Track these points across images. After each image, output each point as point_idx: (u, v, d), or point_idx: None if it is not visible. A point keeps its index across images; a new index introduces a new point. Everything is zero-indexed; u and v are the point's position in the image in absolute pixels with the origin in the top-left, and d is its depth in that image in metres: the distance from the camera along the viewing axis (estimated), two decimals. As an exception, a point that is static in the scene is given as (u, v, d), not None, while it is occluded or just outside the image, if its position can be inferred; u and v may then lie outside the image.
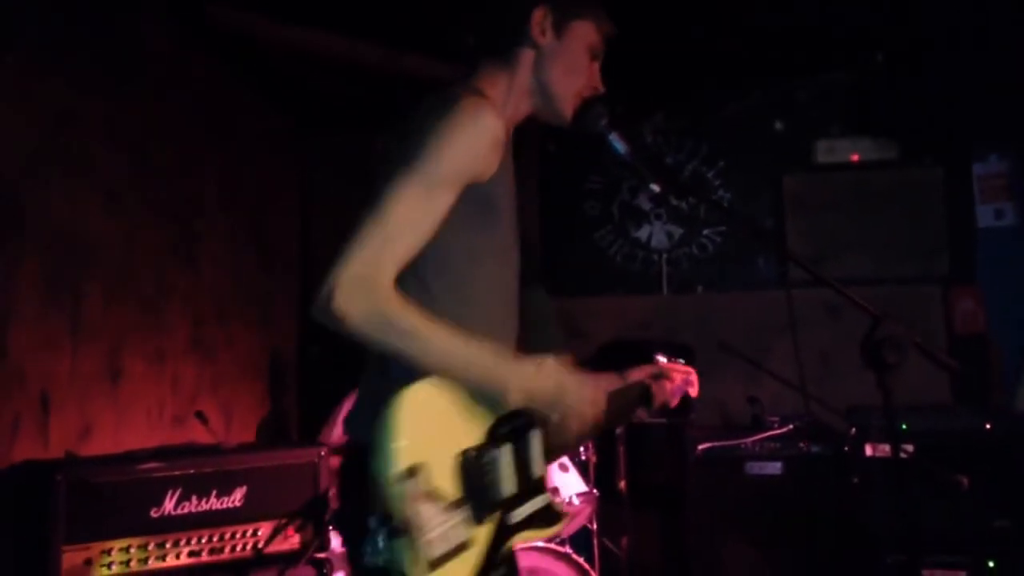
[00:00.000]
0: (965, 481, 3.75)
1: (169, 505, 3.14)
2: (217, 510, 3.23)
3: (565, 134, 2.13)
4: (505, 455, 1.80)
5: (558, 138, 5.80)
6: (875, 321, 2.21)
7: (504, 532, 1.79)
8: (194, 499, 3.19)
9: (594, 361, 5.36)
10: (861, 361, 2.27)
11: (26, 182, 3.36)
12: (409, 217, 1.68)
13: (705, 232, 5.80)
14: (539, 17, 1.98)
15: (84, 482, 2.97)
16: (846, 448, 4.16)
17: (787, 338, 4.66)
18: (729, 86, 5.71)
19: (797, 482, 4.24)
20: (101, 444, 3.70)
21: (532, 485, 1.88)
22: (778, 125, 5.76)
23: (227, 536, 3.23)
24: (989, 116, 5.14)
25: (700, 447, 4.34)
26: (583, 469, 4.05)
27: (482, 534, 1.72)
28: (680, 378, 2.59)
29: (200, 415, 3.84)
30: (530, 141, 5.53)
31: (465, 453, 1.70)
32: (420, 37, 4.56)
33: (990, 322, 5.10)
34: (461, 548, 1.65)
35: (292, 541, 3.35)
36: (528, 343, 1.99)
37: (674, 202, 5.71)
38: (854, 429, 4.11)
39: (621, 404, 2.30)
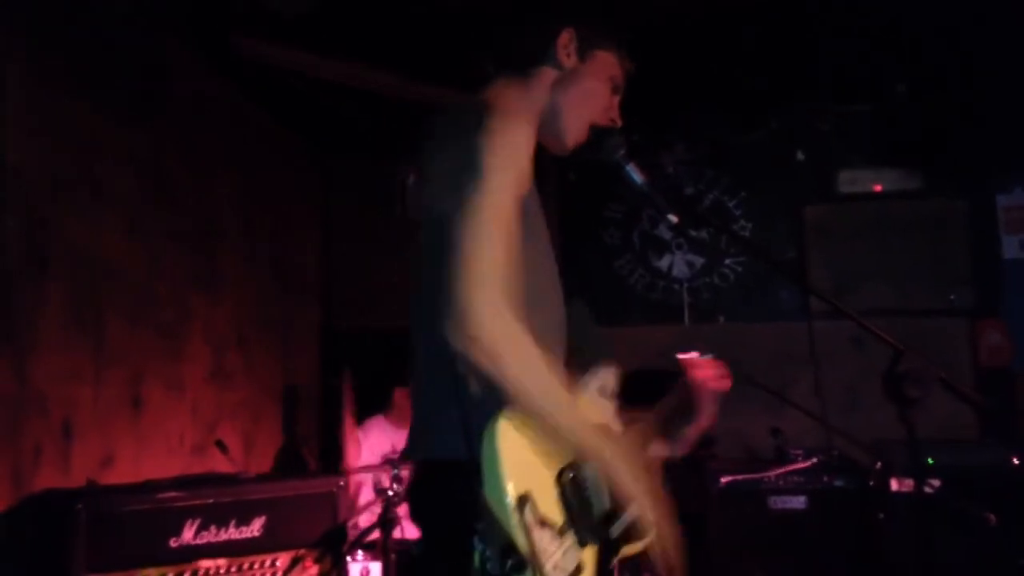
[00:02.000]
0: (992, 517, 3.69)
1: (188, 535, 3.14)
2: (236, 540, 3.23)
3: (585, 163, 2.12)
4: (593, 473, 1.78)
5: (578, 167, 5.81)
6: (897, 354, 2.19)
7: (607, 550, 1.79)
8: (213, 529, 3.19)
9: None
10: (884, 395, 2.26)
11: (50, 209, 3.40)
12: (492, 244, 1.63)
13: (727, 262, 5.78)
14: (566, 39, 1.99)
15: (104, 511, 2.97)
16: (871, 483, 4.10)
17: (811, 370, 4.62)
18: (750, 116, 5.70)
19: (821, 517, 4.17)
20: (122, 472, 3.71)
21: (623, 498, 1.85)
22: (800, 155, 5.74)
23: (246, 566, 3.23)
24: (1013, 147, 5.11)
25: (723, 480, 4.29)
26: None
27: (589, 556, 1.73)
28: (710, 371, 2.54)
29: (220, 444, 3.86)
30: (549, 169, 5.54)
31: (562, 476, 1.70)
32: (439, 66, 4.60)
33: (1016, 355, 5.03)
34: (576, 573, 1.65)
35: (311, 572, 3.34)
36: (575, 354, 1.98)
37: (692, 234, 5.70)
38: (879, 463, 4.05)
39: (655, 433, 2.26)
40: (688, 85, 5.22)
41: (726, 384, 2.61)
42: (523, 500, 1.56)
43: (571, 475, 1.71)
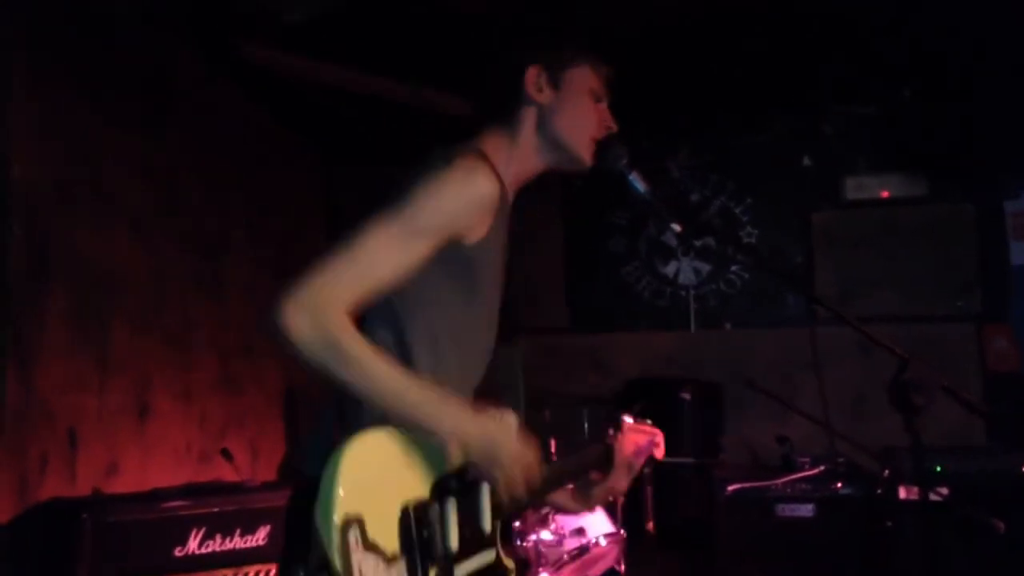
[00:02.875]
0: (1000, 524, 3.66)
1: (193, 544, 3.13)
2: (241, 549, 3.23)
3: (589, 170, 2.12)
4: (449, 510, 1.75)
5: (584, 174, 5.80)
6: (902, 363, 2.19)
7: None
8: (218, 538, 3.19)
9: (620, 397, 5.31)
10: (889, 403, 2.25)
11: (55, 216, 3.41)
12: (378, 255, 1.69)
13: (733, 268, 5.77)
14: (533, 76, 1.97)
15: (109, 521, 2.98)
16: (879, 490, 4.08)
17: (818, 376, 4.59)
18: (756, 121, 5.70)
19: (829, 525, 4.15)
20: (128, 481, 3.71)
21: (480, 540, 1.84)
22: (806, 161, 5.73)
23: (251, 575, 3.22)
24: (1021, 152, 5.09)
25: (729, 488, 4.27)
26: (610, 509, 4.01)
27: None
28: (644, 439, 2.55)
29: (225, 452, 3.86)
30: (554, 177, 5.53)
31: (405, 507, 1.67)
32: (445, 74, 4.61)
33: (1025, 361, 5.01)
34: None
35: (315, 581, 3.33)
36: (498, 393, 1.98)
37: (697, 242, 5.69)
38: (887, 471, 4.03)
39: (569, 468, 2.30)
40: (694, 90, 5.22)
41: (660, 454, 2.64)
42: (350, 522, 1.53)
43: (417, 507, 1.69)
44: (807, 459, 4.31)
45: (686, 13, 4.38)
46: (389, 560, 1.61)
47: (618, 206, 5.92)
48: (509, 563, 1.95)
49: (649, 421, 2.66)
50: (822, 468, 4.25)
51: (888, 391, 2.25)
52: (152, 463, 3.93)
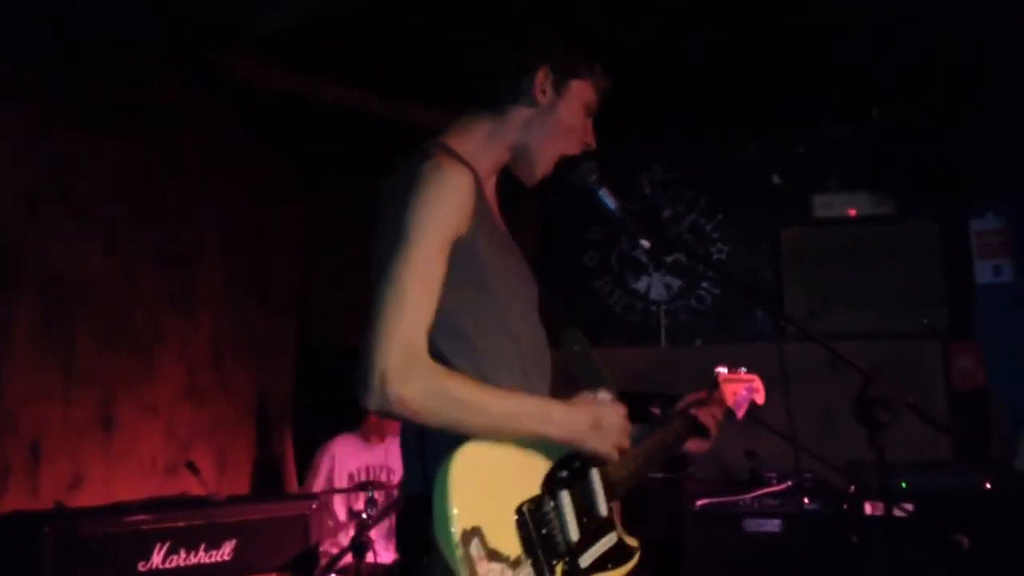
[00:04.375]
0: (966, 541, 3.69)
1: (157, 559, 3.11)
2: (206, 564, 3.20)
3: (565, 185, 2.12)
4: (564, 502, 1.80)
5: (558, 188, 5.82)
6: (867, 380, 2.21)
7: None
8: (183, 552, 3.17)
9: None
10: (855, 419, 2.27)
11: (24, 225, 3.38)
12: (422, 286, 1.69)
13: (703, 284, 5.80)
14: (542, 77, 1.97)
15: (72, 534, 2.94)
16: (845, 506, 4.10)
17: (786, 392, 4.62)
18: (729, 139, 5.74)
19: (796, 540, 4.17)
20: (92, 494, 3.67)
21: (598, 525, 1.88)
22: (776, 179, 5.78)
23: (215, 590, 3.19)
24: (986, 172, 5.16)
25: (698, 503, 4.28)
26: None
27: None
28: (743, 387, 2.59)
29: (191, 465, 3.82)
30: (530, 191, 5.54)
31: (520, 509, 1.70)
32: (422, 86, 4.61)
33: (990, 378, 5.07)
34: None
35: (282, 596, 3.31)
36: (574, 382, 1.99)
37: (666, 259, 5.72)
38: (853, 487, 4.05)
39: (668, 445, 2.32)
40: (667, 107, 5.25)
41: (760, 398, 2.69)
42: (470, 534, 1.58)
43: (531, 507, 1.71)
44: (774, 474, 4.33)
45: (660, 31, 4.42)
46: (514, 564, 1.65)
47: (593, 221, 5.94)
48: (632, 542, 1.99)
49: (743, 369, 2.69)
50: (789, 483, 4.26)
51: (853, 407, 2.27)
52: (117, 476, 3.89)
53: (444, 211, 1.74)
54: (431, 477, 1.62)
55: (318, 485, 4.50)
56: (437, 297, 1.71)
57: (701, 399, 2.52)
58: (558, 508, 1.78)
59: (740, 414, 2.64)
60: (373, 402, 1.62)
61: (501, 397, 1.73)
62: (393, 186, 1.80)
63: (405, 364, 1.62)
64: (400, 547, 1.80)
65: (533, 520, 1.71)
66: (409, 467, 1.84)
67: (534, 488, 1.75)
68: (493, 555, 1.60)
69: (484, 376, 1.77)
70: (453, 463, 1.62)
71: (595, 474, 1.91)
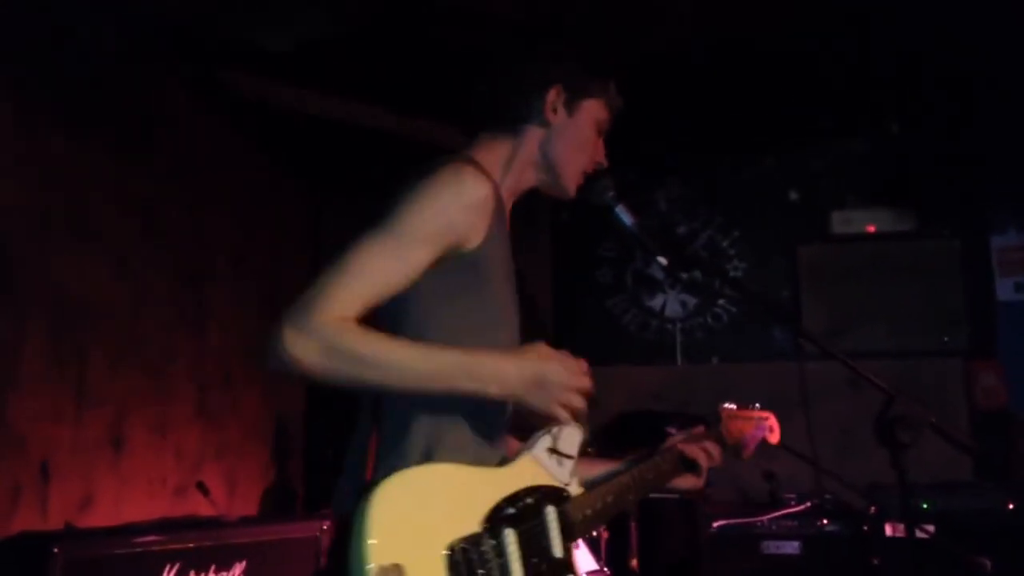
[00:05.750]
0: (987, 563, 3.62)
1: (167, 580, 3.06)
2: (215, 586, 3.16)
3: (577, 202, 2.09)
4: (508, 541, 1.63)
5: (571, 206, 5.79)
6: (889, 399, 2.15)
7: None
8: (192, 574, 3.12)
9: (608, 431, 5.25)
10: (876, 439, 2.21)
11: (33, 246, 3.37)
12: (369, 269, 1.64)
13: (720, 302, 5.74)
14: (553, 96, 1.95)
15: (81, 555, 2.90)
16: (865, 528, 4.03)
17: (805, 412, 4.55)
18: (745, 154, 5.70)
19: (815, 562, 4.10)
20: (102, 515, 3.64)
21: (550, 569, 1.71)
22: (793, 195, 5.73)
23: (225, 612, 3.15)
24: (1007, 188, 5.10)
25: (715, 524, 4.22)
26: (594, 546, 3.94)
27: None
28: (750, 426, 2.50)
29: (201, 486, 3.78)
30: (542, 209, 5.53)
31: (451, 548, 1.54)
32: (430, 102, 4.60)
33: (1012, 397, 4.99)
34: None
35: (292, 618, 3.26)
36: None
37: (683, 276, 5.67)
38: (873, 508, 3.99)
39: (647, 483, 2.16)
40: (683, 123, 5.22)
41: (775, 438, 2.58)
42: (388, 572, 1.43)
43: (465, 545, 1.56)
44: (793, 495, 4.27)
45: (676, 47, 4.40)
46: None
47: (606, 238, 5.90)
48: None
49: (757, 405, 2.56)
50: (808, 504, 4.20)
51: (875, 427, 2.22)
52: (127, 496, 3.86)
53: (441, 208, 1.69)
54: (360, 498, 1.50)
55: None
56: (390, 281, 1.65)
57: (698, 434, 2.41)
58: (500, 548, 1.62)
59: (747, 453, 2.51)
60: (271, 362, 1.56)
61: (417, 352, 1.62)
62: (403, 186, 1.75)
63: (307, 324, 1.55)
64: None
65: (466, 560, 1.55)
66: (347, 483, 1.73)
67: (473, 525, 1.60)
68: None
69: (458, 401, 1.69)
70: (382, 488, 1.49)
71: (551, 512, 1.75)
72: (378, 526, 1.46)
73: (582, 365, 1.77)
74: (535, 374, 1.70)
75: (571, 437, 1.85)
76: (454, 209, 1.70)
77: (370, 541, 1.43)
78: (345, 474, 1.77)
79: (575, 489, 1.86)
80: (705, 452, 2.33)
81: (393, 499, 1.51)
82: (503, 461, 1.78)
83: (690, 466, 2.29)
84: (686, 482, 2.30)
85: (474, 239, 1.74)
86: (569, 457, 1.85)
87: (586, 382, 1.76)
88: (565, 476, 1.84)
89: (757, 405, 2.61)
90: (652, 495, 2.35)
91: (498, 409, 1.82)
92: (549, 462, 1.82)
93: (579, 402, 1.74)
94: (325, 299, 1.59)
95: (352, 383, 1.59)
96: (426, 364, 1.62)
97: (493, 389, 1.66)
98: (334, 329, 1.57)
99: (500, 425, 1.85)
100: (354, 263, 1.64)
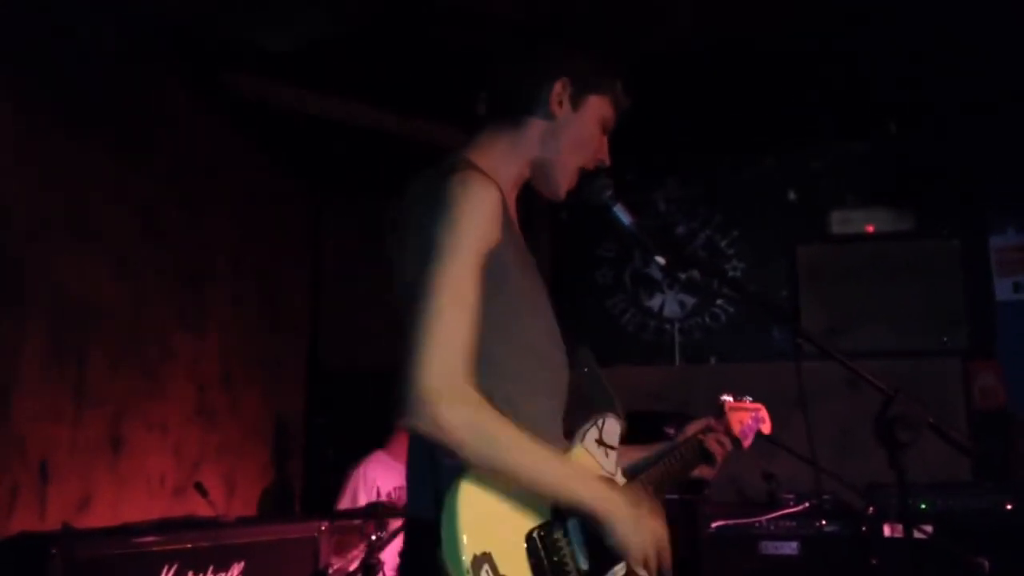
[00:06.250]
0: (986, 564, 3.62)
1: (165, 580, 3.06)
2: (214, 586, 3.16)
3: (577, 202, 2.08)
4: (574, 529, 1.74)
5: (570, 206, 5.80)
6: (887, 398, 2.15)
7: None
8: (191, 574, 3.12)
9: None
10: (874, 439, 2.21)
11: (33, 246, 3.37)
12: (460, 308, 1.63)
13: (718, 302, 5.74)
14: (559, 89, 1.93)
15: (79, 556, 2.90)
16: (864, 528, 4.03)
17: (804, 412, 4.56)
18: (744, 154, 5.70)
19: (813, 563, 4.09)
20: (100, 515, 3.64)
21: (608, 555, 1.78)
22: (792, 195, 5.73)
23: (223, 613, 3.15)
24: (1006, 188, 5.11)
25: (713, 524, 4.22)
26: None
27: None
28: (749, 416, 2.53)
29: (199, 486, 3.77)
30: (542, 209, 5.53)
31: (530, 535, 1.66)
32: (431, 103, 4.60)
33: (1011, 397, 4.99)
34: None
35: (290, 619, 3.26)
36: (584, 404, 1.94)
37: (681, 276, 5.67)
38: (872, 508, 3.98)
39: (675, 474, 2.21)
40: (682, 123, 5.22)
41: (767, 428, 2.61)
42: (480, 560, 1.54)
43: (541, 534, 1.67)
44: (792, 496, 4.26)
45: (676, 47, 4.40)
46: None
47: (605, 238, 5.90)
48: (643, 574, 1.88)
49: (749, 398, 2.62)
50: (807, 505, 4.20)
51: (873, 427, 2.21)
52: (125, 497, 3.86)
53: (474, 228, 1.69)
54: (440, 501, 1.58)
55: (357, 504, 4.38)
56: (475, 321, 1.65)
57: (708, 427, 2.44)
58: (568, 535, 1.73)
59: (746, 444, 2.56)
60: (413, 419, 1.56)
61: (543, 457, 1.67)
62: (417, 200, 1.76)
63: (450, 388, 1.56)
64: (404, 573, 1.77)
65: (544, 546, 1.66)
66: (415, 490, 1.79)
67: (544, 514, 1.70)
68: None
69: (511, 401, 1.71)
70: (462, 487, 1.58)
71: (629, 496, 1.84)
72: (466, 521, 1.56)
73: (665, 537, 1.81)
74: (636, 511, 1.74)
75: (613, 429, 1.93)
76: (481, 224, 1.71)
77: (463, 536, 1.54)
78: (413, 477, 1.82)
79: (620, 479, 1.94)
80: (719, 443, 2.38)
81: (474, 496, 1.59)
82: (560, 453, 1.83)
83: (708, 457, 2.33)
84: (703, 471, 2.34)
85: (495, 240, 1.74)
86: (613, 448, 1.93)
87: (665, 554, 1.80)
88: (611, 467, 1.92)
89: (748, 398, 2.65)
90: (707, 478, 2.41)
91: (558, 403, 1.86)
92: (598, 453, 1.89)
93: (652, 565, 1.79)
94: (447, 358, 1.59)
95: (478, 463, 1.61)
96: (545, 472, 1.66)
97: (596, 504, 1.70)
98: (486, 410, 1.61)
99: (558, 417, 1.87)
100: (445, 309, 1.61)
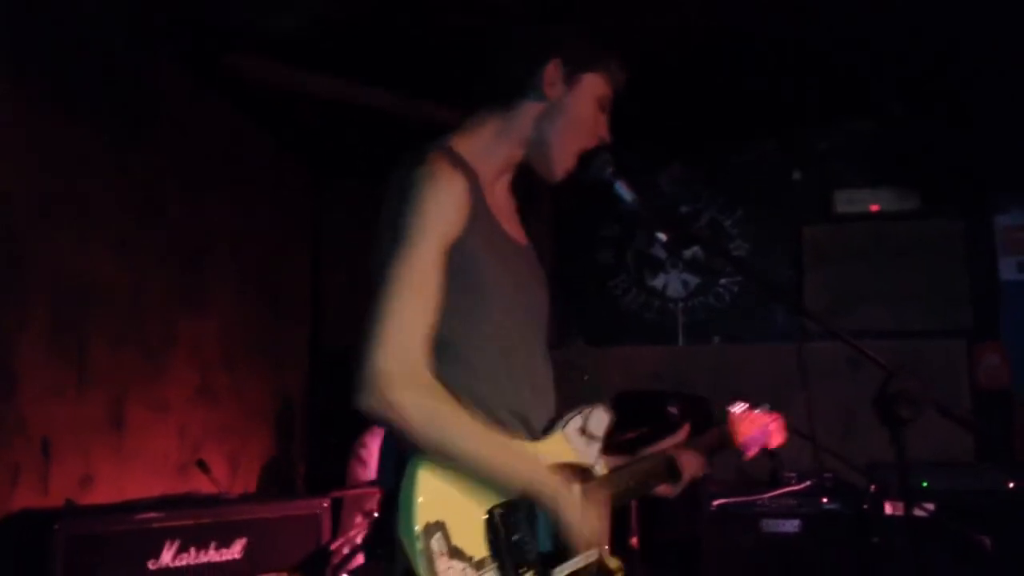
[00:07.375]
0: (987, 541, 3.62)
1: (167, 557, 3.08)
2: (216, 562, 3.18)
3: (578, 182, 2.06)
4: (539, 512, 1.74)
5: (571, 186, 5.77)
6: (889, 375, 2.14)
7: None
8: (193, 551, 3.14)
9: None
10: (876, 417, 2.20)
11: (35, 228, 3.37)
12: (420, 295, 1.65)
13: (722, 282, 5.73)
14: (552, 70, 1.90)
15: (82, 533, 2.92)
16: (865, 506, 4.03)
17: (806, 391, 4.56)
18: (747, 134, 5.67)
19: (815, 540, 4.10)
20: (103, 493, 3.65)
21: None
22: (797, 175, 5.70)
23: (226, 589, 3.17)
24: (1011, 168, 5.08)
25: (715, 503, 4.22)
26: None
27: None
28: (755, 429, 2.49)
29: (201, 464, 3.79)
30: (544, 188, 5.49)
31: (491, 510, 1.66)
32: (433, 84, 4.57)
33: (1014, 377, 4.98)
34: None
35: (292, 595, 3.28)
36: (569, 395, 1.96)
37: (685, 254, 5.65)
38: (873, 486, 3.98)
39: (636, 482, 2.14)
40: (685, 103, 5.19)
41: (776, 441, 2.56)
42: (433, 528, 1.55)
43: (501, 511, 1.67)
44: (793, 474, 4.26)
45: (681, 28, 4.37)
46: (478, 565, 1.61)
47: (607, 218, 5.88)
48: (614, 563, 1.90)
49: (767, 406, 2.59)
50: (808, 483, 4.20)
51: (874, 404, 2.21)
52: (128, 475, 3.87)
53: (435, 216, 1.70)
54: (403, 471, 1.60)
55: (367, 476, 4.37)
56: (434, 308, 1.67)
57: (680, 443, 2.36)
58: (534, 516, 1.73)
59: (749, 455, 2.51)
60: (366, 399, 1.58)
61: (493, 443, 1.68)
62: (390, 186, 1.76)
63: (405, 372, 1.59)
64: (370, 542, 1.78)
65: (504, 523, 1.67)
66: (386, 463, 1.82)
67: (510, 493, 1.70)
68: (455, 552, 1.57)
69: (470, 389, 1.72)
70: (427, 459, 1.60)
71: (576, 489, 1.83)
72: (425, 488, 1.58)
73: (597, 530, 1.82)
74: (555, 509, 1.73)
75: (600, 419, 1.93)
76: (443, 214, 1.71)
77: (419, 499, 1.56)
78: (385, 452, 1.87)
79: (600, 470, 1.94)
80: (693, 465, 2.33)
81: (438, 466, 1.61)
82: (537, 437, 1.84)
83: (675, 475, 2.27)
84: (663, 490, 2.29)
85: (459, 228, 1.74)
86: (596, 438, 1.93)
87: (597, 537, 1.81)
88: (592, 456, 1.92)
89: (767, 406, 2.58)
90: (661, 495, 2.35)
91: (527, 393, 1.86)
92: (578, 441, 1.90)
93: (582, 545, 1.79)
94: (410, 339, 1.62)
95: (430, 449, 1.61)
96: (486, 453, 1.66)
97: (545, 491, 1.72)
98: (441, 396, 1.63)
99: (527, 407, 1.86)
100: (405, 293, 1.64)
